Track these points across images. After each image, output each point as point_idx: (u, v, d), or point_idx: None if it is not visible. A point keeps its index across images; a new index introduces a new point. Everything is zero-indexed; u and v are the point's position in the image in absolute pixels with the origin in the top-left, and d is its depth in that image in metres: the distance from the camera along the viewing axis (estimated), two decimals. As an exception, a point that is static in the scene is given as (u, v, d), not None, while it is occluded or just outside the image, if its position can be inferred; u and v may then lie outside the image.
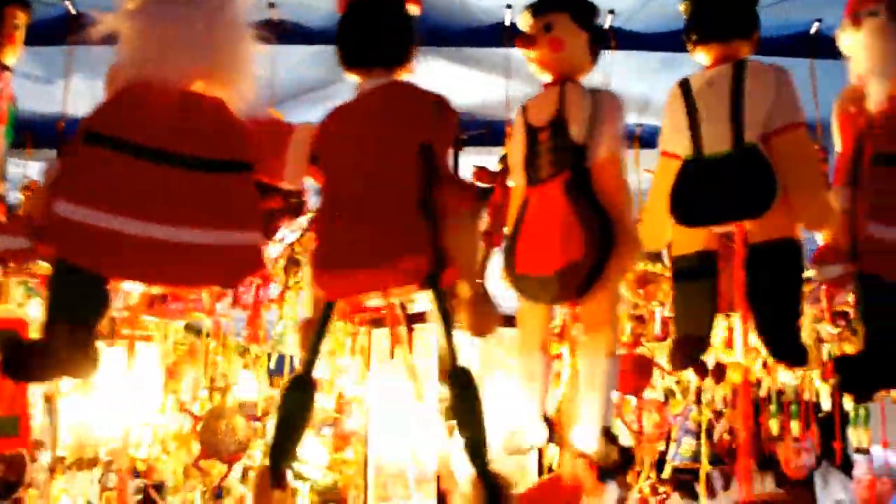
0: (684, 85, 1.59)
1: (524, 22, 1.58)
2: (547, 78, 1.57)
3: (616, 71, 2.74)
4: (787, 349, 1.49)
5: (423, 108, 1.43)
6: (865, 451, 4.08)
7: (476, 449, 1.28)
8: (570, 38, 1.54)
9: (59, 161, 1.39)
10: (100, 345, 3.07)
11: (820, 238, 1.55)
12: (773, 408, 4.21)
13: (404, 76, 1.49)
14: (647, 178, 3.05)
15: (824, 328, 2.82)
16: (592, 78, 2.67)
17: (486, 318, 1.37)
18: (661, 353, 3.44)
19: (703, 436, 3.31)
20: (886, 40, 1.58)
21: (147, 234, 1.35)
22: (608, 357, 1.45)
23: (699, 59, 1.62)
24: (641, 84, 2.96)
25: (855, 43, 1.63)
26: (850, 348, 3.02)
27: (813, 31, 2.69)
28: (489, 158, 3.40)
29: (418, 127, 1.42)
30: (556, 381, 3.14)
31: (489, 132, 3.41)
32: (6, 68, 1.64)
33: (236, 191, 1.45)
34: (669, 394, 3.64)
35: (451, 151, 1.50)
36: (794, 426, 4.16)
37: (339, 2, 1.53)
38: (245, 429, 3.38)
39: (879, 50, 1.58)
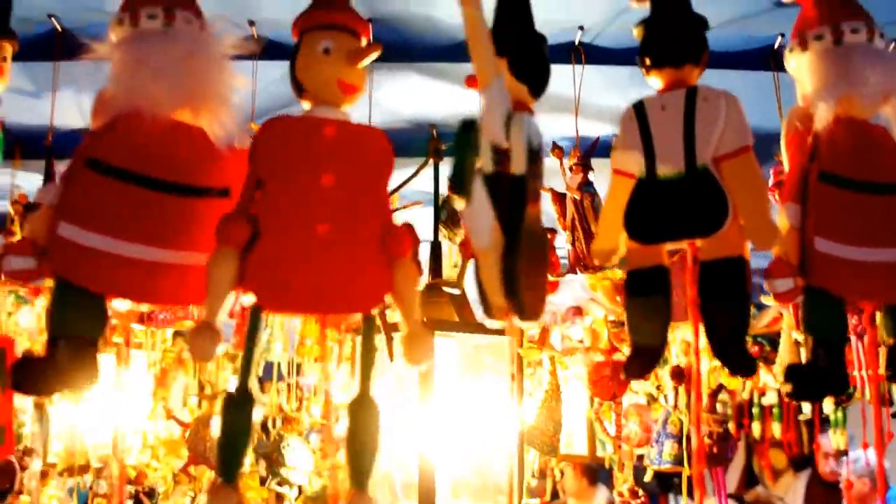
0: (638, 108, 1.66)
1: None
2: None
3: (587, 84, 2.83)
4: (737, 361, 1.56)
5: (384, 149, 1.53)
6: (843, 454, 4.16)
7: (361, 476, 1.42)
8: None
9: (60, 184, 1.46)
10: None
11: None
12: (755, 411, 4.30)
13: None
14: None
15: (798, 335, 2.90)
16: (564, 92, 2.76)
17: (423, 350, 1.46)
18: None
19: (683, 440, 3.37)
20: (831, 64, 1.64)
21: (141, 255, 1.44)
22: None
23: (652, 82, 1.69)
24: (612, 96, 3.03)
25: (801, 65, 1.69)
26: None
27: (776, 45, 2.77)
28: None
29: (382, 169, 1.52)
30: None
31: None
32: (-6, 98, 1.70)
33: (218, 215, 1.53)
34: (650, 399, 3.70)
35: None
36: (776, 428, 4.24)
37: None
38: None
39: (824, 73, 1.63)
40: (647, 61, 1.67)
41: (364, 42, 1.58)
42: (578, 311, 3.14)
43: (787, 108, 2.73)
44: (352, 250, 1.45)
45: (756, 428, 4.39)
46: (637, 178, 1.63)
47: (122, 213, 1.45)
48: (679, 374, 3.37)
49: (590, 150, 2.81)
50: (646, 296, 1.63)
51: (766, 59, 2.78)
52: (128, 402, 3.89)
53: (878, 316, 1.64)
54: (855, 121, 1.61)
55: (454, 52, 2.86)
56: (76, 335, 1.43)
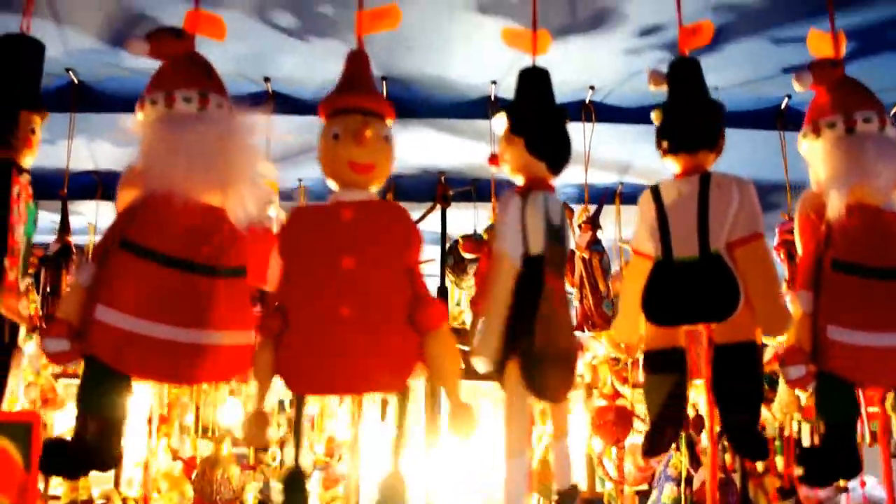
0: (655, 192, 1.70)
1: None
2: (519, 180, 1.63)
3: (598, 139, 2.88)
4: (748, 445, 1.59)
5: (403, 225, 1.52)
6: (844, 490, 4.20)
7: None
8: (509, 148, 1.60)
9: (93, 264, 1.49)
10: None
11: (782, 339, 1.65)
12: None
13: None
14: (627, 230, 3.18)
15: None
16: (573, 146, 2.83)
17: (469, 423, 1.45)
18: (640, 401, 3.56)
19: (682, 483, 3.40)
20: (843, 153, 1.66)
21: (171, 337, 1.48)
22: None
23: (668, 165, 1.73)
24: (622, 150, 3.10)
25: (814, 151, 1.72)
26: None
27: (783, 105, 2.84)
28: (474, 212, 3.56)
29: (402, 245, 1.51)
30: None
31: (474, 188, 3.55)
32: (24, 171, 1.73)
33: (237, 294, 1.57)
34: (651, 440, 3.73)
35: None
36: (779, 461, 4.28)
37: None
38: (239, 478, 3.46)
39: (837, 162, 1.66)
40: (665, 146, 1.71)
41: (389, 122, 1.59)
42: (578, 346, 3.17)
43: (792, 164, 2.82)
44: (377, 330, 1.45)
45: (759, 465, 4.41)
46: (655, 260, 1.67)
47: (155, 296, 1.48)
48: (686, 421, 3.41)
49: (597, 211, 2.86)
50: (664, 374, 1.67)
51: (774, 118, 2.84)
52: (129, 436, 3.90)
53: (890, 398, 1.68)
54: (867, 207, 1.64)
55: (462, 109, 2.93)
56: (107, 416, 1.46)
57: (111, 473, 3.90)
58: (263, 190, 1.59)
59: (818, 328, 1.61)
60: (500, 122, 1.63)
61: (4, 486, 1.82)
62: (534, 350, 1.46)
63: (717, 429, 3.00)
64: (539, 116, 1.65)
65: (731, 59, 2.46)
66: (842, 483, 4.11)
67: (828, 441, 1.61)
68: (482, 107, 2.86)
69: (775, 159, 2.84)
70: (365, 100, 1.58)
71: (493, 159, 1.65)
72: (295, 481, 1.46)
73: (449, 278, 3.49)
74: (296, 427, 1.49)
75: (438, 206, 3.31)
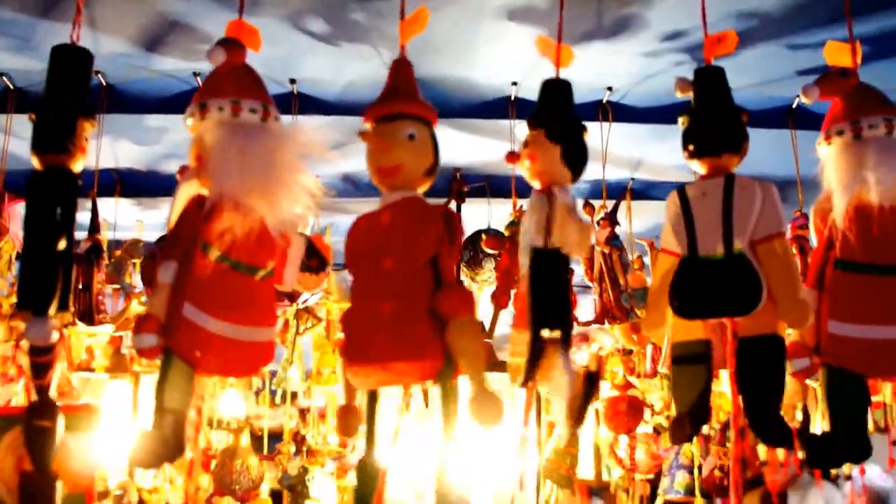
0: (681, 193, 1.77)
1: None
2: (536, 185, 1.70)
3: (613, 137, 2.97)
4: (773, 432, 1.68)
5: (435, 222, 1.58)
6: (848, 477, 4.31)
7: None
8: (540, 153, 1.67)
9: (174, 263, 1.56)
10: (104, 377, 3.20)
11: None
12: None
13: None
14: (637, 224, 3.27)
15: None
16: (591, 144, 2.91)
17: (493, 411, 1.49)
18: (651, 390, 3.65)
19: (695, 471, 3.50)
20: (849, 157, 1.73)
21: (231, 334, 1.57)
22: None
23: (694, 167, 1.81)
24: (634, 148, 3.18)
25: (826, 158, 1.79)
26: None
27: (794, 105, 2.93)
28: (488, 208, 3.64)
29: (430, 241, 1.57)
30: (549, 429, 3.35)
31: (488, 184, 3.63)
32: (78, 177, 1.77)
33: (269, 293, 1.67)
34: (660, 429, 3.82)
35: (454, 255, 1.65)
36: (780, 451, 4.38)
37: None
38: (258, 468, 3.54)
39: (841, 167, 1.74)
40: (691, 148, 1.79)
41: (427, 125, 1.65)
42: (584, 337, 3.25)
43: (802, 161, 2.91)
44: (413, 324, 1.52)
45: (761, 450, 4.52)
46: (681, 258, 1.75)
47: (228, 296, 1.57)
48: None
49: (615, 207, 2.95)
50: (690, 366, 1.76)
51: (785, 117, 2.93)
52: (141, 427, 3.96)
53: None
54: (869, 208, 1.71)
55: (482, 109, 3.02)
56: (181, 409, 1.53)
57: (125, 465, 3.97)
58: (300, 199, 1.65)
59: (821, 324, 1.70)
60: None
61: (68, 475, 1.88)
62: None
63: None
64: (574, 127, 1.74)
65: (747, 62, 2.54)
66: (846, 469, 4.23)
67: (833, 428, 1.70)
68: (501, 107, 2.95)
69: (787, 157, 2.94)
70: (393, 106, 1.64)
71: (513, 157, 1.71)
72: (367, 473, 1.56)
73: (464, 273, 3.58)
74: (369, 422, 1.59)
75: (453, 202, 3.40)
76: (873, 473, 4.63)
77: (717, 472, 3.60)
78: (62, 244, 1.65)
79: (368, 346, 1.54)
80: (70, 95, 1.77)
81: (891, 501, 5.07)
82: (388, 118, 1.63)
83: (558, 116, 1.73)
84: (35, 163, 1.73)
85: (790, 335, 2.05)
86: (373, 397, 1.60)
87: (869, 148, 1.73)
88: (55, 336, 1.66)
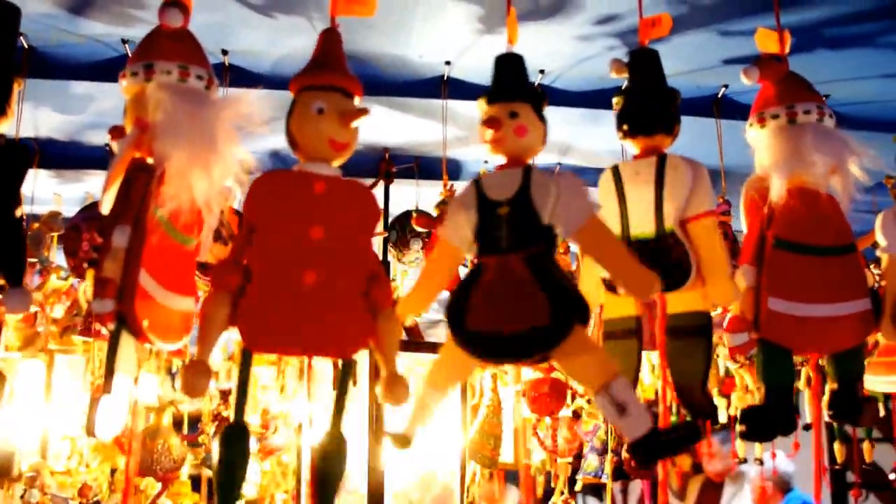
0: (615, 172, 1.81)
1: (483, 107, 1.71)
2: (500, 159, 1.70)
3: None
4: (702, 407, 1.73)
5: (377, 207, 1.63)
6: (760, 462, 4.48)
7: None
8: (531, 127, 1.67)
9: (128, 228, 1.54)
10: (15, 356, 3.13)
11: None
12: (673, 419, 4.55)
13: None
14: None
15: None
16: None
17: (402, 393, 1.57)
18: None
19: (609, 454, 3.57)
20: (785, 140, 1.82)
21: (165, 301, 1.60)
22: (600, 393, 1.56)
23: (627, 147, 1.85)
24: (564, 132, 3.22)
25: (759, 139, 1.88)
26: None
27: (720, 94, 3.00)
28: (415, 189, 3.64)
29: (372, 223, 1.62)
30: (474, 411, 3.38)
31: (417, 166, 3.63)
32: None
33: (192, 263, 1.72)
34: (580, 411, 3.89)
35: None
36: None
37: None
38: (179, 447, 3.48)
39: (779, 150, 1.82)
40: (625, 128, 1.83)
41: (357, 101, 1.67)
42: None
43: (727, 150, 2.99)
44: (336, 298, 1.54)
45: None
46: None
47: (167, 264, 1.60)
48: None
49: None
50: (621, 341, 1.80)
51: (711, 106, 3.00)
52: (56, 408, 3.87)
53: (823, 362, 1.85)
54: (806, 190, 1.80)
55: (414, 88, 3.01)
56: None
57: (37, 447, 3.86)
58: (232, 171, 1.63)
59: (759, 299, 1.77)
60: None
61: None
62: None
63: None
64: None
65: (676, 49, 2.59)
66: (757, 454, 4.39)
67: (768, 402, 1.77)
68: (434, 86, 2.95)
69: (710, 145, 3.02)
70: (344, 80, 1.65)
71: (493, 123, 1.67)
72: (237, 436, 1.49)
73: (391, 253, 3.58)
74: (241, 383, 1.53)
75: (381, 182, 3.39)
76: (781, 457, 4.81)
77: (625, 454, 3.67)
78: (19, 212, 1.62)
79: (288, 311, 1.51)
80: (2, 53, 1.71)
81: (792, 485, 5.29)
82: (328, 88, 1.62)
83: (539, 94, 1.74)
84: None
85: (727, 311, 2.12)
86: (248, 358, 1.53)
87: (806, 132, 1.81)
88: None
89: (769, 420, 1.77)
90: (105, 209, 1.56)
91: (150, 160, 1.58)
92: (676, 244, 1.72)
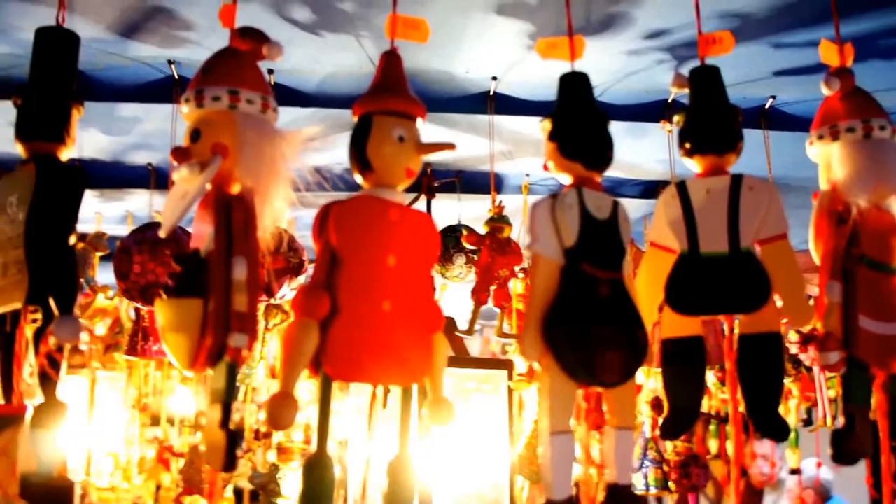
0: (681, 188, 1.79)
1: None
2: (567, 180, 1.69)
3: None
4: (772, 427, 1.71)
5: (435, 234, 1.63)
6: (797, 472, 4.43)
7: None
8: (548, 155, 1.72)
9: None
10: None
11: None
12: (712, 427, 4.51)
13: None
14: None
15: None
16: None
17: (447, 413, 1.59)
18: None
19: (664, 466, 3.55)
20: (865, 155, 1.79)
21: None
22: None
23: (689, 165, 1.82)
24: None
25: (830, 153, 1.84)
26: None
27: (767, 105, 2.98)
28: (458, 204, 3.63)
29: (432, 252, 1.64)
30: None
31: (460, 179, 3.62)
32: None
33: None
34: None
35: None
36: (729, 446, 4.47)
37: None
38: (225, 465, 3.47)
39: (858, 163, 1.78)
40: (687, 146, 1.80)
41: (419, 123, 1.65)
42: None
43: (774, 162, 2.97)
44: (407, 326, 1.54)
45: (713, 445, 4.60)
46: (678, 254, 1.76)
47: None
48: (659, 405, 3.55)
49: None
50: (684, 364, 1.77)
51: (758, 118, 2.97)
52: (100, 425, 3.90)
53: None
54: (881, 208, 1.79)
55: (460, 103, 3.01)
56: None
57: (82, 462, 3.89)
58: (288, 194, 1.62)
59: (850, 317, 1.73)
60: (543, 128, 1.72)
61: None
62: (578, 334, 1.55)
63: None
64: (572, 120, 1.72)
65: (723, 60, 2.56)
66: (793, 464, 4.34)
67: (855, 424, 1.75)
68: (480, 102, 2.95)
69: (756, 156, 3.00)
70: (417, 108, 1.64)
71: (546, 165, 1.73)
72: (320, 467, 1.45)
73: (435, 268, 3.57)
74: (322, 413, 1.49)
75: (423, 197, 3.38)
76: (824, 466, 4.77)
77: (665, 468, 3.64)
78: (73, 239, 1.60)
79: (370, 341, 1.50)
80: (61, 79, 1.72)
81: (832, 493, 5.24)
82: (402, 116, 1.61)
83: (556, 112, 1.74)
84: (21, 150, 1.67)
85: (812, 330, 2.08)
86: (328, 388, 1.49)
87: (883, 148, 1.79)
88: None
89: (858, 443, 1.75)
90: (164, 233, 1.53)
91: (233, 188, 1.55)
92: (754, 265, 1.70)
